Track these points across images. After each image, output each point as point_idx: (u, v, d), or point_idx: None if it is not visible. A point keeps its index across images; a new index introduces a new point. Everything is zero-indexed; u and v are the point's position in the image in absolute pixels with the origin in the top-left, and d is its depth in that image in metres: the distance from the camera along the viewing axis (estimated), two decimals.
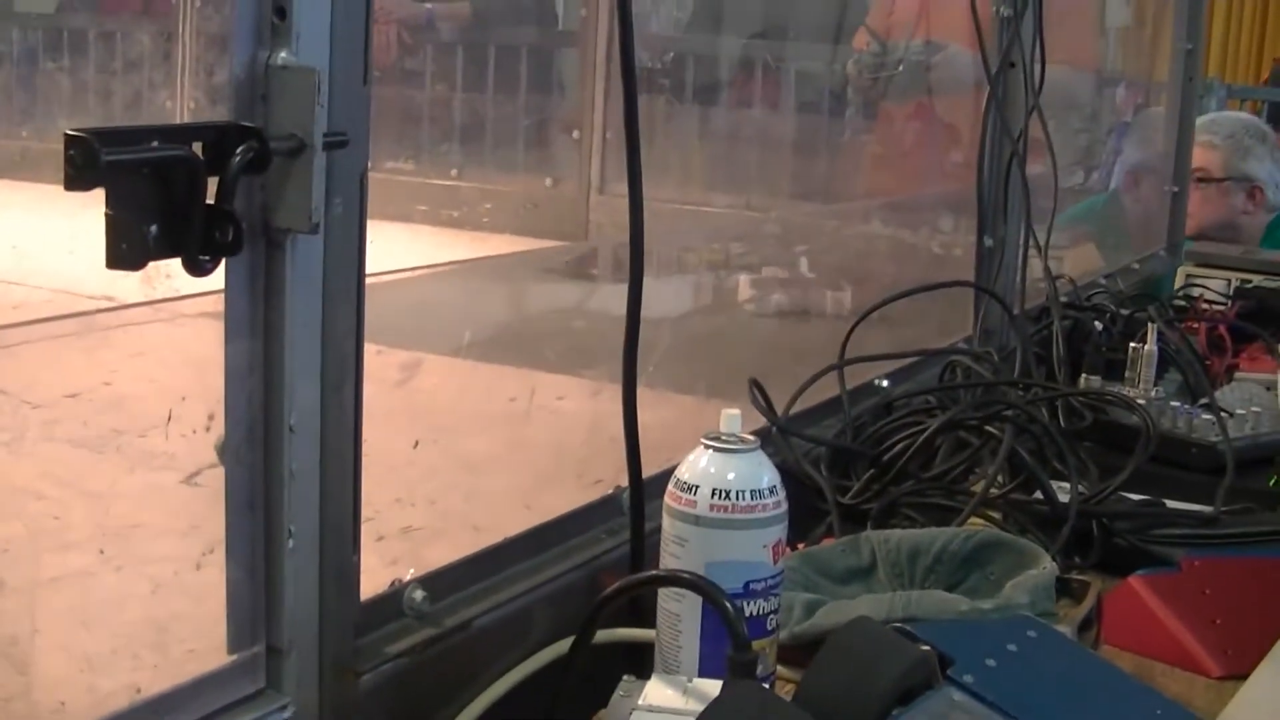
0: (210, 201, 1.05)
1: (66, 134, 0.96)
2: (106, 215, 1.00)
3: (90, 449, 2.31)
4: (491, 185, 4.73)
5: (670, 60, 4.54)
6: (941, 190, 3.36)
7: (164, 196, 1.02)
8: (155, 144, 1.02)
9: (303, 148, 1.10)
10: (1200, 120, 4.36)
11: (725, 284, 3.18)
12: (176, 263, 1.05)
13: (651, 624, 1.43)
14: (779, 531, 1.37)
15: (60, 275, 3.18)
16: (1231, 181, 4.31)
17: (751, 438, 1.39)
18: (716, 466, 1.36)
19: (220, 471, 1.17)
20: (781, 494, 1.38)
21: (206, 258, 1.06)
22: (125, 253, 1.01)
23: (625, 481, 1.61)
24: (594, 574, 1.58)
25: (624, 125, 1.50)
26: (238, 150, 1.06)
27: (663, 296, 1.54)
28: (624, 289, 1.52)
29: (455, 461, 2.12)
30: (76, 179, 0.96)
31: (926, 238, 3.33)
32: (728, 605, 1.23)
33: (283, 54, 1.11)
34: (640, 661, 1.43)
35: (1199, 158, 4.28)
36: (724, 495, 1.35)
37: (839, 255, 3.28)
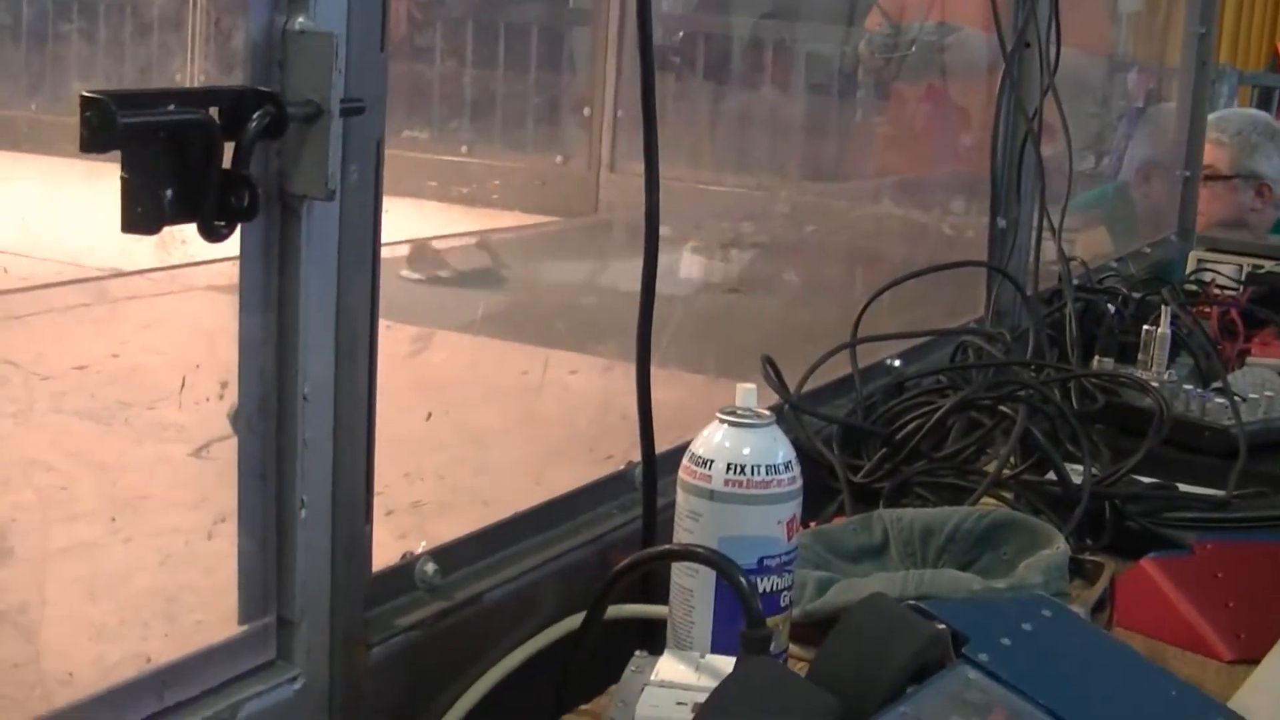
0: (226, 167, 1.04)
1: (83, 95, 0.95)
2: (122, 179, 0.99)
3: (98, 421, 2.30)
4: (501, 162, 4.72)
5: (681, 39, 4.53)
6: (953, 171, 3.35)
7: (180, 161, 1.02)
8: (172, 108, 1.01)
9: (319, 113, 1.10)
10: (1209, 117, 4.35)
11: (736, 262, 3.17)
12: (191, 229, 1.05)
13: (662, 601, 1.42)
14: (794, 508, 1.36)
15: (68, 248, 3.18)
16: (1240, 179, 4.30)
17: (767, 413, 1.38)
18: (732, 441, 1.35)
19: (230, 444, 1.16)
20: (797, 470, 1.37)
21: (222, 223, 1.05)
22: (140, 217, 1.00)
23: (637, 457, 1.61)
24: (605, 550, 1.58)
25: (641, 101, 1.49)
26: (254, 115, 1.05)
27: (673, 273, 1.53)
28: (634, 265, 1.52)
29: (465, 436, 2.11)
30: (92, 141, 0.96)
31: (938, 219, 3.32)
32: (742, 581, 1.22)
33: (300, 19, 1.10)
34: (651, 638, 1.42)
35: (1207, 155, 4.28)
36: (739, 470, 1.34)
37: (849, 235, 3.27)
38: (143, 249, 1.06)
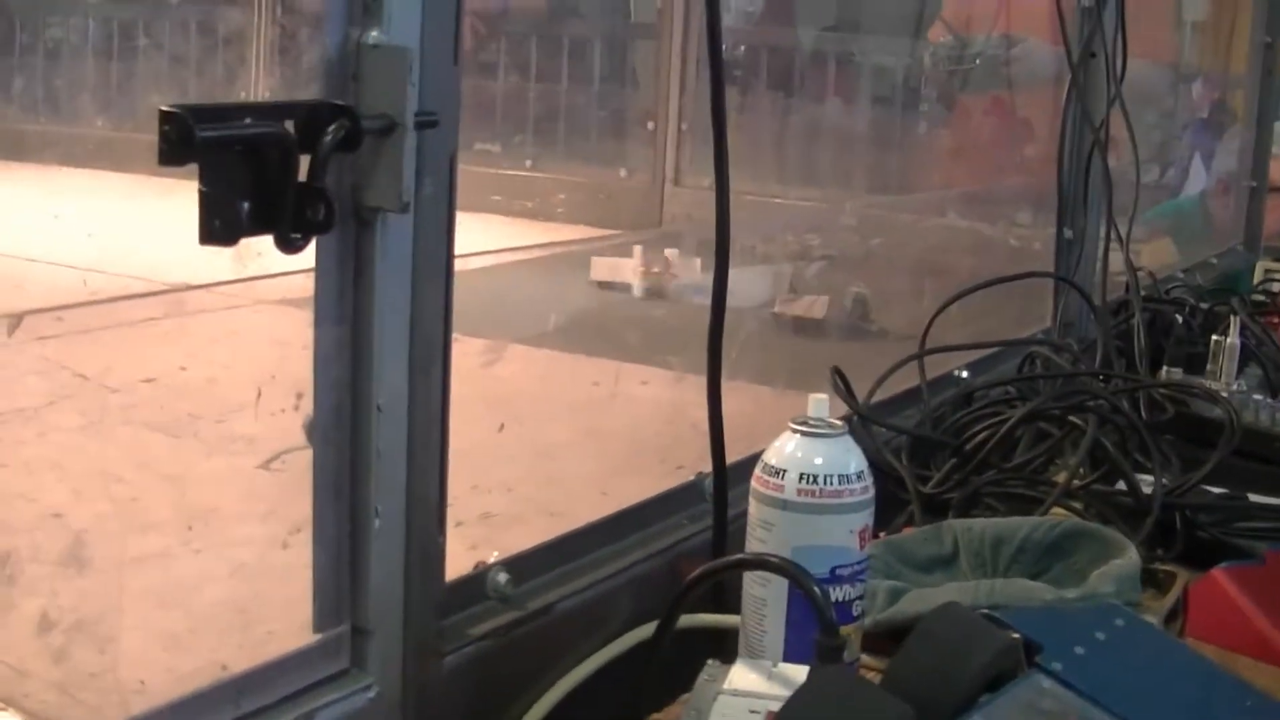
0: (302, 179, 1.05)
1: (162, 110, 0.96)
2: (200, 192, 1.00)
3: (167, 433, 2.32)
4: (566, 176, 4.74)
5: (744, 53, 4.54)
6: (1018, 183, 3.35)
7: (257, 173, 1.02)
8: (248, 121, 1.02)
9: (394, 127, 1.10)
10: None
11: (803, 274, 3.18)
12: (266, 241, 1.05)
13: (733, 610, 1.42)
14: (866, 517, 1.36)
15: (140, 263, 3.20)
16: None
17: (839, 423, 1.38)
18: (804, 451, 1.35)
19: (299, 456, 1.17)
20: (869, 480, 1.37)
21: (298, 235, 1.05)
22: (218, 229, 1.01)
23: (707, 468, 1.61)
24: (675, 560, 1.58)
25: (711, 113, 1.49)
26: (329, 128, 1.06)
27: (742, 286, 1.53)
28: (701, 277, 1.52)
29: (534, 448, 2.12)
30: (171, 154, 0.96)
31: (1004, 230, 3.32)
32: (816, 589, 1.22)
33: (374, 33, 1.11)
34: (722, 647, 1.42)
35: None
36: (811, 480, 1.34)
37: (915, 247, 3.27)
38: (218, 262, 1.07)
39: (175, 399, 2.51)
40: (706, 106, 1.51)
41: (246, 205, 1.02)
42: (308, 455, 1.16)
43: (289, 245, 1.05)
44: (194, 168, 0.99)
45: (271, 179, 1.03)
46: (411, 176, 1.12)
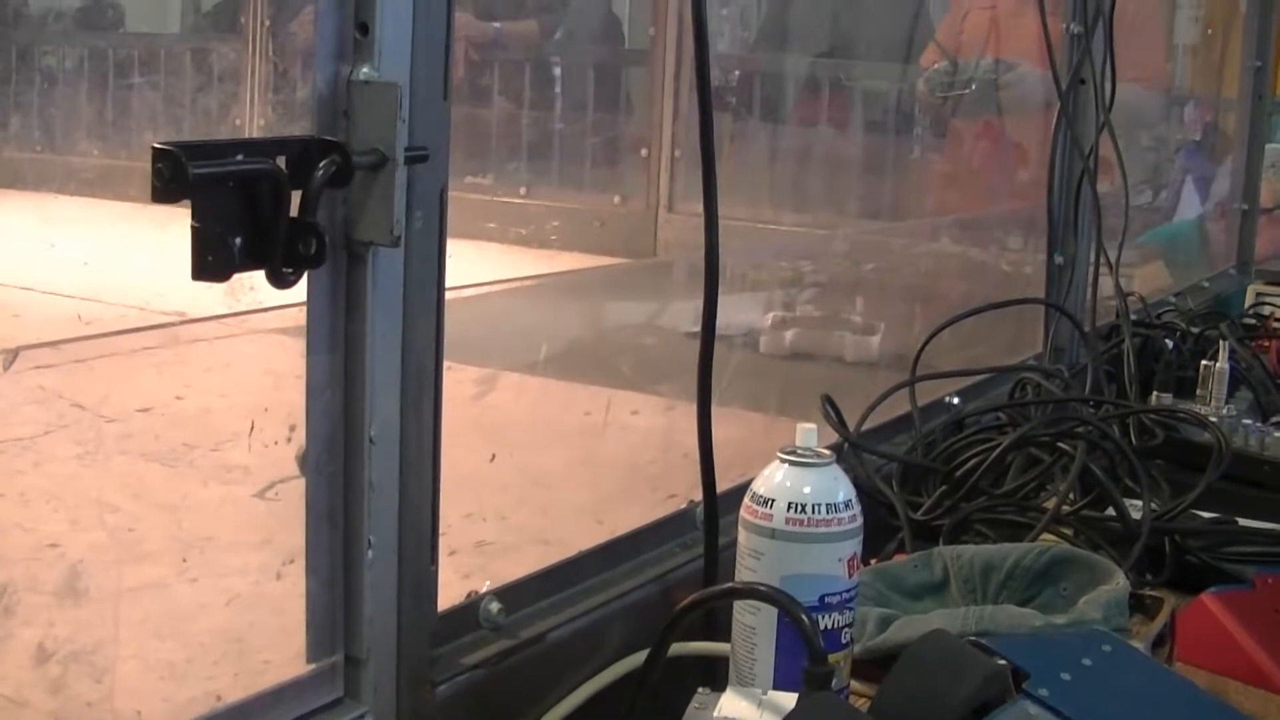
0: (293, 215, 1.06)
1: (155, 147, 0.97)
2: (193, 227, 1.01)
3: (163, 463, 2.33)
4: (559, 203, 4.75)
5: (737, 79, 4.55)
6: (1010, 209, 3.36)
7: (249, 209, 1.03)
8: (240, 157, 1.03)
9: (384, 162, 1.11)
10: None
11: (794, 301, 3.18)
12: (259, 275, 1.06)
13: (725, 638, 1.43)
14: (854, 545, 1.37)
15: (135, 292, 3.21)
16: None
17: (827, 452, 1.39)
18: (792, 480, 1.36)
19: (293, 485, 1.18)
20: (857, 508, 1.38)
21: (290, 270, 1.07)
22: (211, 264, 1.02)
23: (698, 496, 1.62)
24: (667, 588, 1.59)
25: (699, 141, 1.51)
26: (321, 164, 1.07)
27: (733, 313, 1.54)
28: (694, 305, 1.53)
29: (526, 477, 2.12)
30: (164, 192, 0.98)
31: (996, 256, 3.33)
32: (804, 618, 1.23)
33: (365, 69, 1.12)
34: (713, 675, 1.43)
35: None
36: (800, 509, 1.35)
37: (907, 273, 3.27)
38: (212, 295, 1.08)
39: (171, 428, 2.52)
40: (698, 134, 1.52)
41: (239, 240, 1.03)
42: (301, 485, 1.17)
43: (281, 280, 1.07)
44: (188, 201, 1.00)
45: (263, 214, 1.04)
46: (403, 210, 1.13)
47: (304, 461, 1.16)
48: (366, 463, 1.18)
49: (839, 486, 1.37)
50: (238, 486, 2.10)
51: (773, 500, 1.36)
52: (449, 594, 1.33)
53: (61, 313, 3.34)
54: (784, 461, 1.38)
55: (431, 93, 1.18)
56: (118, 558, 1.81)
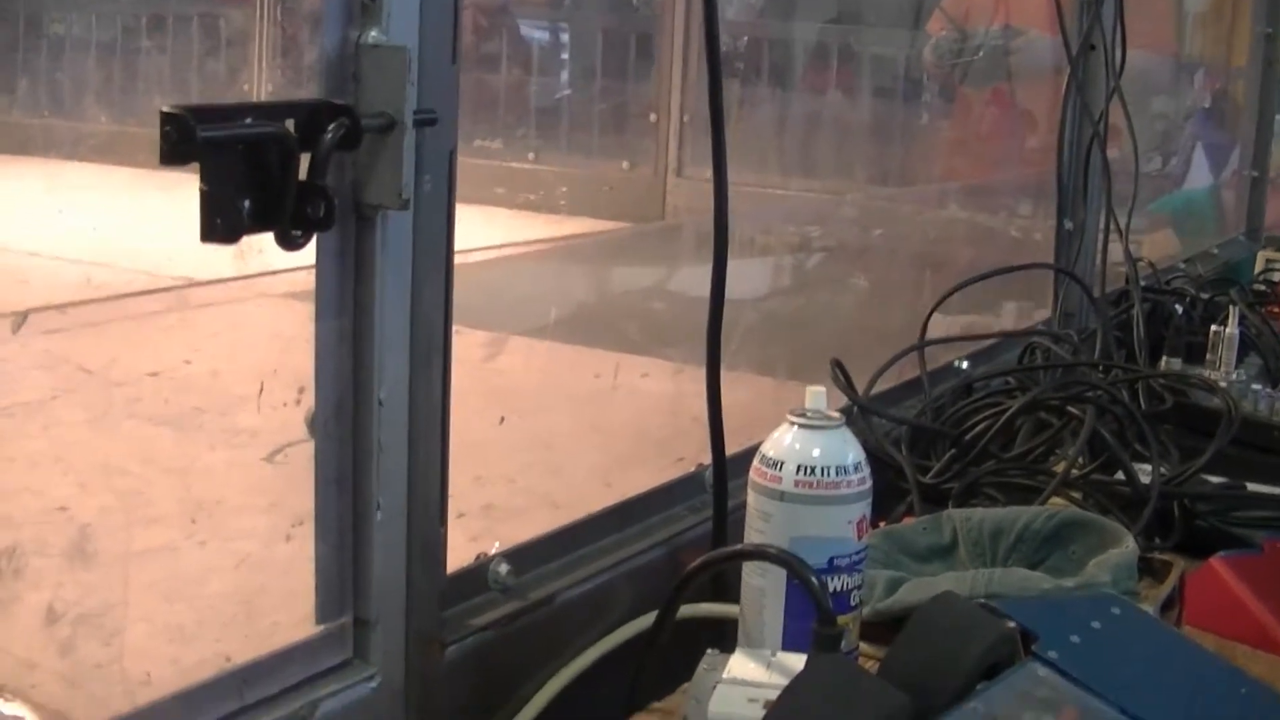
0: (302, 178, 1.06)
1: (163, 111, 0.97)
2: (201, 190, 1.01)
3: (172, 426, 2.33)
4: (568, 169, 4.74)
5: (745, 45, 4.54)
6: (1019, 175, 3.35)
7: (257, 172, 1.03)
8: (249, 121, 1.03)
9: (393, 125, 1.11)
10: None
11: (803, 266, 3.18)
12: (267, 238, 1.06)
13: (733, 600, 1.43)
14: (863, 508, 1.37)
15: (144, 257, 3.21)
16: None
17: (837, 414, 1.39)
18: (802, 443, 1.36)
19: (302, 448, 1.18)
20: (866, 471, 1.38)
21: (298, 233, 1.07)
22: (219, 227, 1.02)
23: (707, 459, 1.62)
24: (676, 551, 1.59)
25: (709, 105, 1.51)
26: (330, 127, 1.07)
27: (742, 278, 1.54)
28: (702, 270, 1.53)
29: (535, 440, 2.13)
30: (172, 154, 0.97)
31: (1005, 222, 3.32)
32: (813, 579, 1.23)
33: (373, 33, 1.12)
34: (722, 637, 1.43)
35: None
36: (809, 471, 1.35)
37: (916, 239, 3.27)
38: (221, 258, 1.08)
39: (179, 393, 2.52)
40: (707, 99, 1.52)
41: (247, 203, 1.03)
42: (310, 449, 1.17)
43: (290, 243, 1.07)
44: (197, 165, 1.00)
45: (272, 177, 1.04)
46: (411, 174, 1.13)
47: (313, 423, 1.17)
48: (375, 425, 1.18)
49: (849, 449, 1.37)
50: (246, 450, 2.10)
51: (782, 462, 1.36)
52: (458, 556, 1.33)
53: (69, 278, 3.34)
54: (793, 424, 1.38)
55: (440, 56, 1.18)
56: (127, 521, 1.81)
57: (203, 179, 1.01)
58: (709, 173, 1.52)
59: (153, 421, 2.36)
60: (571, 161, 4.84)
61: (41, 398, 2.39)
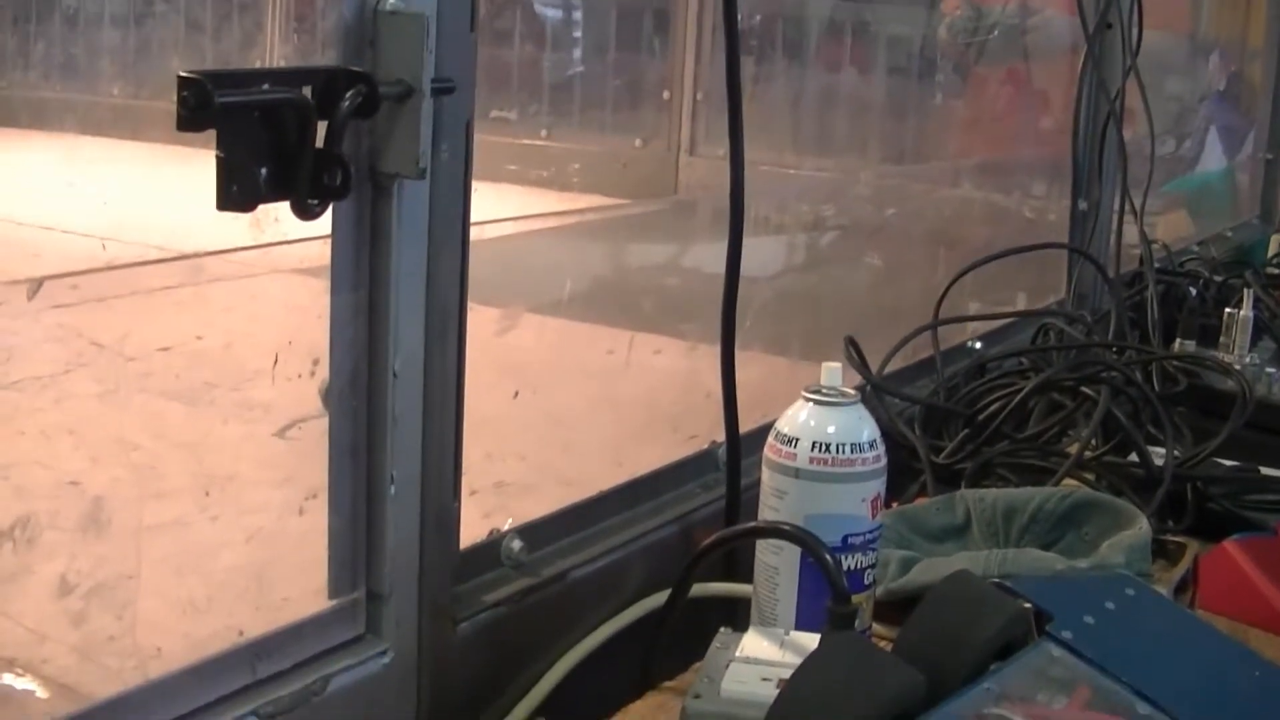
0: (319, 145, 1.05)
1: (180, 75, 0.97)
2: (218, 157, 1.00)
3: (184, 401, 2.33)
4: (581, 145, 4.75)
5: (758, 23, 4.53)
6: (1034, 154, 3.34)
7: (275, 139, 1.03)
8: (266, 87, 1.02)
9: (411, 93, 1.11)
10: None
11: (817, 244, 3.17)
12: (283, 207, 1.06)
13: (744, 579, 1.43)
14: (878, 486, 1.37)
15: (155, 231, 3.21)
16: None
17: (852, 391, 1.38)
18: (817, 420, 1.36)
19: (312, 424, 1.18)
20: (881, 449, 1.37)
21: (315, 201, 1.06)
22: (236, 195, 1.01)
23: (720, 437, 1.61)
24: (688, 528, 1.59)
25: (726, 81, 1.50)
26: (347, 94, 1.06)
27: (755, 256, 1.54)
28: (715, 247, 1.52)
29: (548, 416, 2.12)
30: (190, 120, 0.97)
31: (1019, 201, 3.32)
32: (828, 557, 1.23)
33: (391, 0, 1.11)
34: (733, 616, 1.43)
35: None
36: (824, 448, 1.34)
37: (930, 218, 3.26)
38: (233, 230, 1.07)
39: (191, 367, 2.52)
40: (722, 76, 1.51)
41: (264, 171, 1.03)
42: (323, 422, 1.17)
43: (306, 211, 1.06)
44: (212, 135, 1.00)
45: (289, 145, 1.03)
46: (428, 143, 1.13)
47: (327, 395, 1.16)
48: (390, 397, 1.18)
49: (864, 426, 1.37)
50: (258, 425, 2.10)
51: (797, 439, 1.35)
52: (470, 533, 1.33)
53: (81, 251, 3.34)
54: (809, 400, 1.37)
55: (458, 24, 1.17)
56: (139, 495, 1.81)
57: (220, 145, 1.00)
58: (721, 150, 1.51)
59: (165, 396, 2.37)
60: (584, 138, 4.84)
61: (54, 371, 2.39)
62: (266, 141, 1.02)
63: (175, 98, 0.97)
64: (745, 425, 1.59)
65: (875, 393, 1.96)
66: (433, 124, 1.13)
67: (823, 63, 4.46)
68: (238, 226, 1.06)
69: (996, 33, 3.49)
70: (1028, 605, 1.18)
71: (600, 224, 3.37)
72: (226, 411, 2.30)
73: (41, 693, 1.45)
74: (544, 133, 4.81)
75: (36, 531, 1.43)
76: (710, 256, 1.60)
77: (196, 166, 1.03)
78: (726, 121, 1.51)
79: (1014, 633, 1.15)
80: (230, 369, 2.46)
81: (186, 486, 1.94)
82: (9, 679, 1.50)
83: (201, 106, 0.97)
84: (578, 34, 5.22)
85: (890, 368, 2.14)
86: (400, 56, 1.10)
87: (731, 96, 1.50)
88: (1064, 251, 2.82)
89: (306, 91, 1.05)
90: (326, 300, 1.15)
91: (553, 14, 5.15)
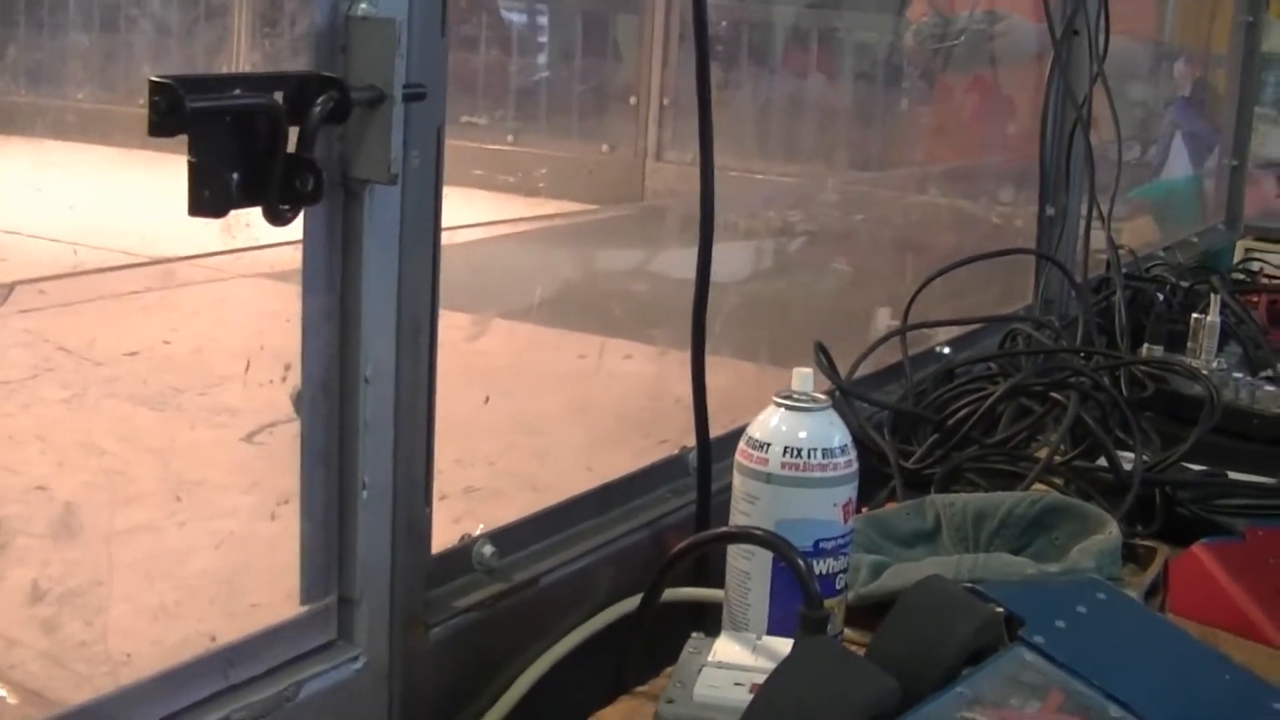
0: (291, 151, 1.05)
1: (151, 80, 0.96)
2: (190, 163, 1.00)
3: (151, 406, 2.32)
4: (548, 151, 4.75)
5: (724, 28, 4.54)
6: (1000, 161, 3.35)
7: (246, 144, 1.03)
8: (238, 92, 1.02)
9: (382, 98, 1.11)
10: None
11: (784, 250, 3.18)
12: (255, 213, 1.05)
13: (716, 585, 1.43)
14: (849, 491, 1.37)
15: (119, 236, 3.20)
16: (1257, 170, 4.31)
17: (824, 396, 1.39)
18: (789, 425, 1.36)
19: (283, 429, 1.17)
20: (853, 454, 1.38)
21: (286, 207, 1.06)
22: (208, 200, 1.01)
23: (690, 442, 1.62)
24: (659, 534, 1.59)
25: (696, 86, 1.50)
26: (319, 100, 1.06)
27: (724, 262, 1.54)
28: (683, 253, 1.53)
29: (516, 423, 2.12)
30: (161, 125, 0.96)
31: (986, 207, 3.32)
32: (800, 562, 1.23)
33: (362, 5, 1.11)
34: (704, 621, 1.43)
35: None
36: (796, 453, 1.34)
37: (897, 224, 3.27)
38: (201, 236, 1.07)
39: (158, 372, 2.52)
40: (688, 82, 1.51)
41: (236, 176, 1.02)
42: (294, 428, 1.16)
43: (278, 217, 1.06)
44: (182, 140, 0.99)
45: (261, 150, 1.03)
46: (399, 148, 1.12)
47: (298, 401, 1.16)
48: (361, 402, 1.17)
49: (835, 431, 1.37)
50: (226, 430, 2.09)
51: (769, 444, 1.35)
52: (440, 538, 1.33)
53: (48, 256, 3.33)
54: (780, 405, 1.38)
55: (429, 29, 1.17)
56: (108, 500, 1.81)
57: (191, 151, 1.00)
58: (688, 155, 1.52)
59: (132, 401, 2.36)
60: (551, 144, 4.84)
61: (20, 376, 2.38)
62: (238, 147, 1.02)
63: (145, 103, 0.96)
64: (714, 430, 1.60)
65: (844, 398, 1.96)
66: (404, 129, 1.13)
67: (790, 68, 4.47)
68: (207, 231, 1.05)
69: (963, 39, 3.50)
70: (1000, 610, 1.19)
71: (568, 229, 3.36)
72: (194, 416, 2.29)
73: (11, 699, 1.45)
74: (510, 138, 4.81)
75: (9, 537, 1.42)
76: (678, 262, 1.60)
77: (160, 170, 1.03)
78: (693, 127, 1.51)
79: (986, 637, 1.16)
80: (198, 374, 2.45)
81: (154, 491, 1.94)
82: None
83: (173, 111, 0.96)
84: (544, 39, 5.22)
85: (859, 373, 2.14)
86: (372, 62, 1.10)
87: (702, 101, 1.50)
88: (1031, 257, 2.83)
89: (278, 97, 1.05)
90: (294, 306, 1.14)
91: (519, 19, 5.15)
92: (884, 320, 2.52)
